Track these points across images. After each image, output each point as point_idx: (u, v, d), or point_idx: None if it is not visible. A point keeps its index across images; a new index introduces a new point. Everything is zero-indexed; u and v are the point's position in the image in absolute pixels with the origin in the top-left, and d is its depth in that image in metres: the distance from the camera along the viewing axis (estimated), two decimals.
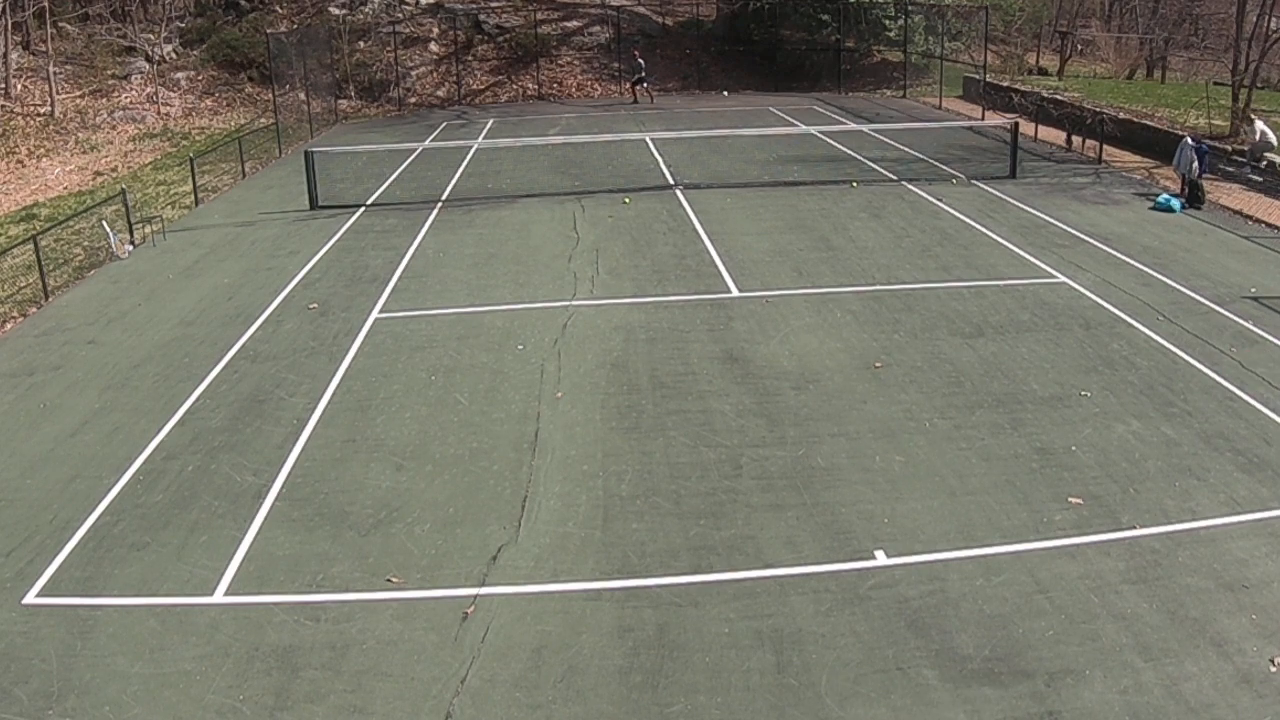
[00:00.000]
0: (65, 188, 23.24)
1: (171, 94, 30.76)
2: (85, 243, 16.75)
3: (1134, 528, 7.31)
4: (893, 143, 23.50)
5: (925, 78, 33.40)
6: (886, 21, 33.56)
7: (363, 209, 18.32)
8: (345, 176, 21.23)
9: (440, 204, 18.46)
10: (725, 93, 16.88)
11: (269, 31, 29.64)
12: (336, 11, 33.87)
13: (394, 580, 6.94)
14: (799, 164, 21.08)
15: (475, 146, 23.79)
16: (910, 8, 32.75)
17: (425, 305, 12.68)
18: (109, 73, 30.76)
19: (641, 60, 31.94)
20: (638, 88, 31.70)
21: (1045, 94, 27.05)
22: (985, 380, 9.94)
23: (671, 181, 19.74)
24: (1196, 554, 6.97)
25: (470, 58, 34.58)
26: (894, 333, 11.27)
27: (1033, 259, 13.93)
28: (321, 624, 6.49)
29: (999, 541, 7.19)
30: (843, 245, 14.84)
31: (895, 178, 19.55)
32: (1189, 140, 17.42)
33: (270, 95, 28.38)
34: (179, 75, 31.73)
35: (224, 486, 8.31)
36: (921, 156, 21.79)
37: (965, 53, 33.34)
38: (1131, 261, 13.77)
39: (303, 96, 28.51)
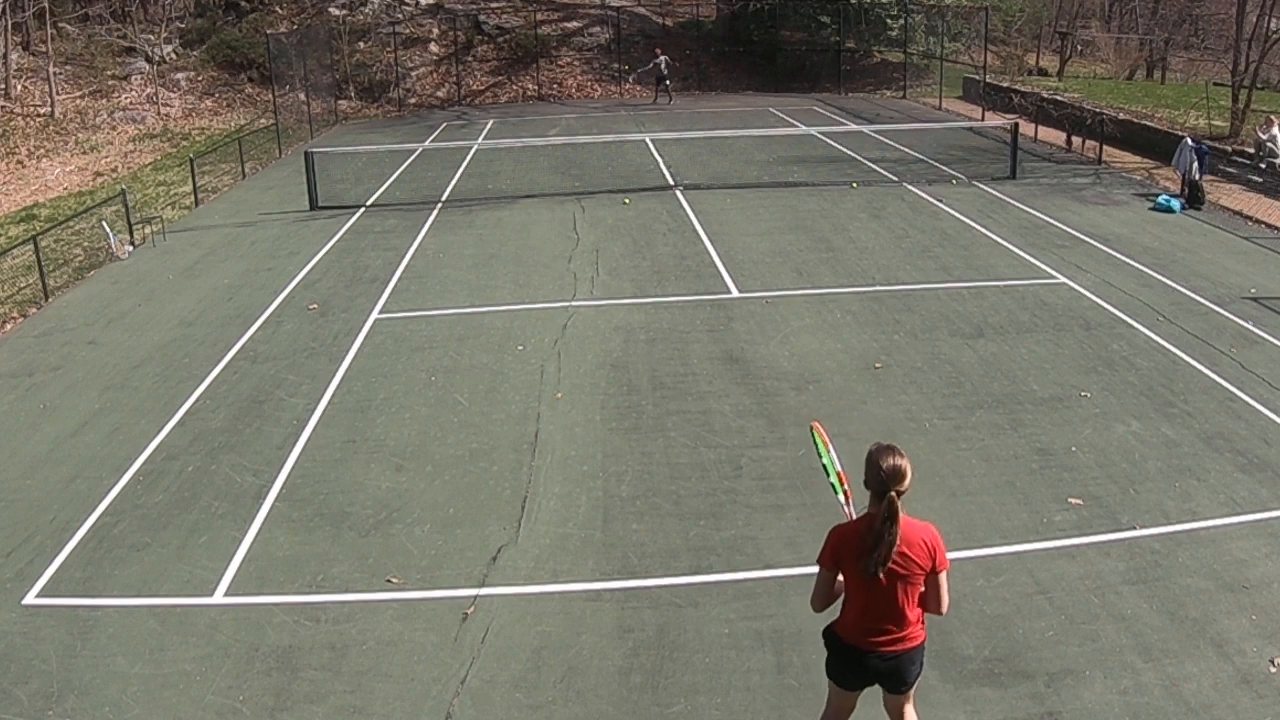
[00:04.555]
0: (65, 188, 23.25)
1: (171, 94, 30.77)
2: (85, 243, 16.76)
3: (1134, 528, 7.31)
4: (893, 143, 23.51)
5: (925, 78, 33.42)
6: (888, 20, 33.57)
7: (363, 209, 18.32)
8: (345, 177, 21.24)
9: (440, 204, 18.47)
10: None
11: (269, 32, 29.65)
12: (336, 12, 33.87)
13: (394, 581, 6.94)
14: (799, 165, 21.09)
15: (475, 147, 23.80)
16: (911, 7, 32.76)
17: (425, 306, 12.69)
18: (109, 73, 30.76)
19: (664, 57, 31.45)
20: (659, 86, 31.48)
21: (1045, 95, 27.06)
22: (985, 381, 9.94)
23: (671, 182, 19.75)
24: (1196, 554, 6.97)
25: (470, 58, 34.60)
26: (894, 333, 11.27)
27: (1033, 260, 13.94)
28: (321, 624, 6.49)
29: (999, 542, 7.19)
30: (843, 246, 14.84)
31: (895, 178, 19.56)
32: (1189, 141, 17.42)
33: (270, 96, 28.39)
34: (179, 76, 31.73)
35: (224, 487, 8.30)
36: (921, 157, 21.80)
37: (965, 53, 33.35)
38: (1131, 262, 13.77)
39: (303, 97, 28.52)
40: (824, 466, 4.94)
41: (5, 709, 5.78)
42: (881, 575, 4.28)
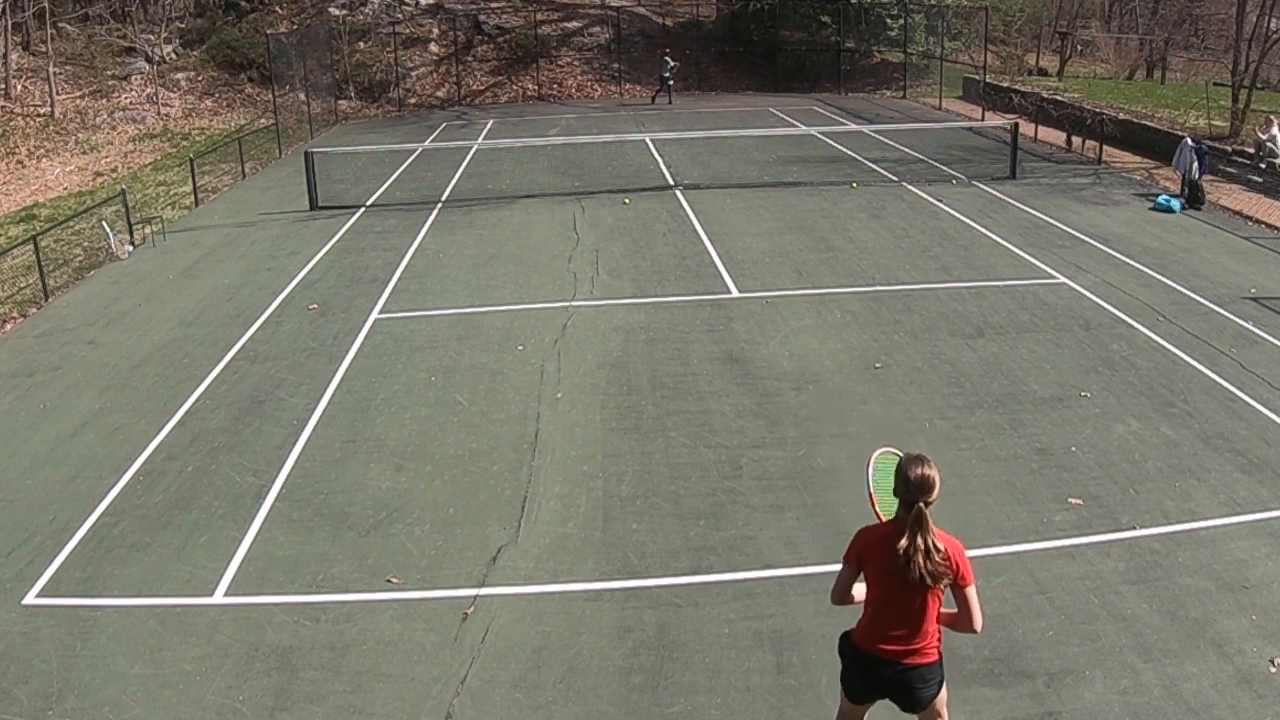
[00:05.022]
0: (65, 188, 23.25)
1: (171, 94, 30.77)
2: (85, 243, 16.76)
3: (1134, 528, 7.31)
4: (893, 143, 23.51)
5: (925, 78, 33.43)
6: (888, 20, 33.57)
7: (363, 209, 18.32)
8: (345, 177, 21.24)
9: (440, 204, 18.47)
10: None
11: (269, 32, 29.65)
12: (336, 12, 33.87)
13: (394, 581, 6.94)
14: (799, 164, 21.08)
15: (475, 147, 23.80)
16: (911, 7, 32.76)
17: (425, 306, 12.69)
18: (109, 73, 30.76)
19: (671, 60, 31.40)
20: (660, 87, 31.41)
21: (1045, 94, 27.06)
22: (985, 381, 9.94)
23: (671, 182, 19.75)
24: (1196, 554, 6.97)
25: (470, 58, 34.60)
26: (894, 333, 11.27)
27: (1033, 259, 13.94)
28: (321, 624, 6.49)
29: (999, 542, 7.19)
30: (843, 246, 14.84)
31: (895, 178, 19.56)
32: (1189, 141, 17.43)
33: (270, 96, 28.40)
34: (179, 76, 31.73)
35: (224, 487, 8.31)
36: (921, 157, 21.80)
37: (965, 53, 33.36)
38: (1131, 262, 13.77)
39: (302, 97, 28.52)
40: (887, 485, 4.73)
41: (5, 709, 5.78)
42: (903, 581, 4.26)
